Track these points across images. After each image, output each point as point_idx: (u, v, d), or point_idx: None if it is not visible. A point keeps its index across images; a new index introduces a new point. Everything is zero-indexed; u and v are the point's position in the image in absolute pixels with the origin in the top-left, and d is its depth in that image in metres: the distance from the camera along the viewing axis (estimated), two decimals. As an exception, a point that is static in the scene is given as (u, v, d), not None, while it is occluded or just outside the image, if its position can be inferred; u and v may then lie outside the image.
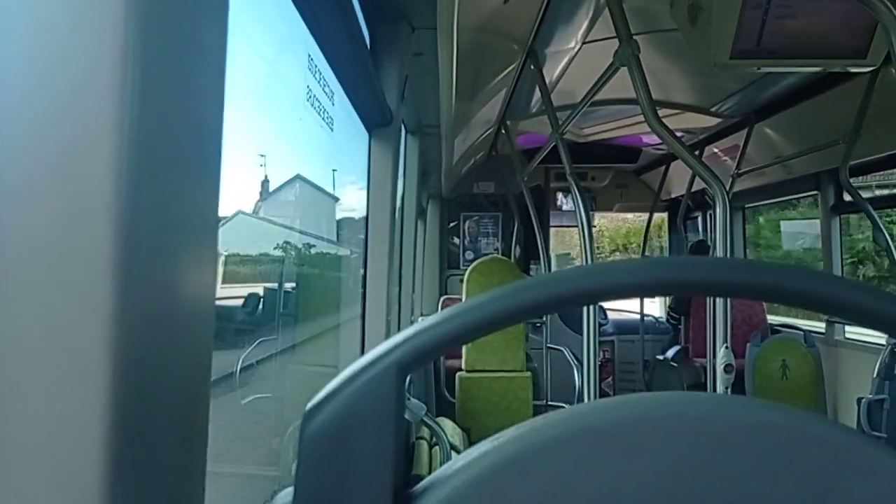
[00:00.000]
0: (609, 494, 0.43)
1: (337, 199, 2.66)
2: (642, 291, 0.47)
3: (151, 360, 0.45)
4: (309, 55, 1.42)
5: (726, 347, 2.09)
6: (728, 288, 0.47)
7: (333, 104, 1.65)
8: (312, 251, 2.32)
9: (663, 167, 6.04)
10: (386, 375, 0.44)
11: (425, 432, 2.95)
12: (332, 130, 1.74)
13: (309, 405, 0.44)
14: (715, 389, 2.18)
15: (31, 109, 0.41)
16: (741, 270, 0.45)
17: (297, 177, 2.10)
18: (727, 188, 4.51)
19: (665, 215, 7.18)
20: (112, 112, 0.40)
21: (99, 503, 0.41)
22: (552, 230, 7.16)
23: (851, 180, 3.60)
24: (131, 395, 0.42)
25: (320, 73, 1.49)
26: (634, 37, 2.16)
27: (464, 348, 4.81)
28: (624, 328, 6.56)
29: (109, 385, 0.41)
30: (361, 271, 2.03)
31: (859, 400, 3.68)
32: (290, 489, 0.44)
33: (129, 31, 0.41)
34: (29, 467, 0.41)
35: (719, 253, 2.22)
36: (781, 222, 7.01)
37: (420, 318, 5.60)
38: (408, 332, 0.45)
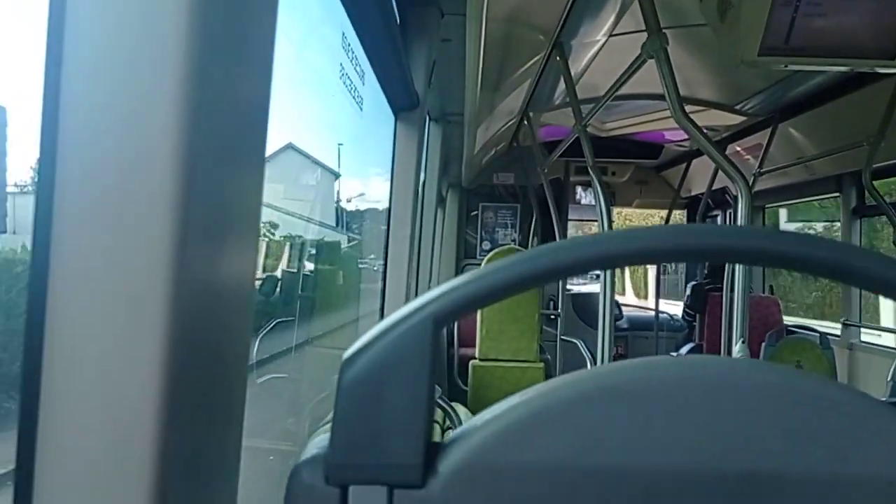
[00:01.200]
0: (630, 450, 0.44)
1: (338, 176, 2.62)
2: (668, 256, 0.49)
3: (198, 350, 0.47)
4: (343, 33, 1.44)
5: (742, 342, 2.09)
6: (744, 254, 0.48)
7: (364, 83, 1.66)
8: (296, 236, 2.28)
9: (684, 164, 6.01)
10: (423, 327, 0.45)
11: (439, 415, 2.98)
12: (361, 110, 1.76)
13: (347, 353, 0.46)
14: None
15: (104, 110, 0.43)
16: (757, 237, 0.46)
17: (289, 146, 2.06)
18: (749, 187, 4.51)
19: (684, 213, 7.15)
20: (171, 114, 0.42)
21: (149, 480, 0.43)
22: (570, 224, 7.15)
23: (874, 183, 3.58)
24: (180, 381, 0.44)
25: (353, 52, 1.51)
26: (664, 32, 2.16)
27: (478, 336, 4.83)
28: (638, 324, 6.55)
29: (162, 371, 0.43)
30: (372, 260, 2.04)
31: None
32: (326, 434, 0.46)
33: (192, 37, 0.42)
34: (88, 449, 0.43)
35: None
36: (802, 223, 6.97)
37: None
38: (444, 287, 0.46)
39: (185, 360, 0.44)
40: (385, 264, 2.00)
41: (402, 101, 1.85)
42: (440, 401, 2.31)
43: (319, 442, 0.46)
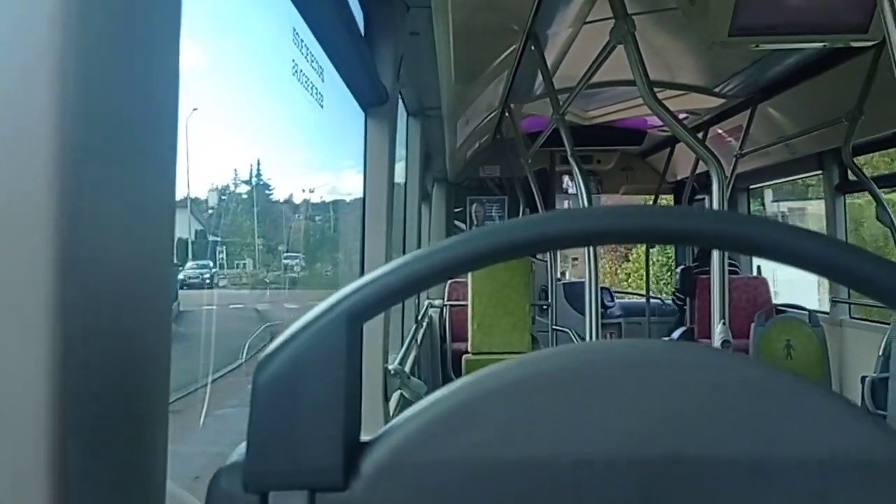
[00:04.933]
0: (554, 439, 0.43)
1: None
2: (607, 238, 0.47)
3: (100, 359, 0.45)
4: (294, 28, 1.42)
5: (723, 324, 2.09)
6: (703, 237, 0.47)
7: (323, 80, 1.65)
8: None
9: (668, 149, 6.02)
10: (336, 325, 0.44)
11: None
12: (321, 107, 1.74)
13: (262, 356, 0.45)
14: None
15: None
16: (717, 220, 0.45)
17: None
18: (730, 169, 4.52)
19: (671, 198, 7.16)
20: (52, 102, 0.41)
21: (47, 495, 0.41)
22: (559, 214, 7.14)
23: (856, 159, 3.59)
24: (78, 395, 0.43)
25: (307, 48, 1.49)
26: (636, 16, 2.16)
27: (469, 330, 4.83)
28: (630, 310, 6.56)
29: (52, 385, 0.41)
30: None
31: (863, 378, 3.68)
32: (244, 444, 0.45)
33: (69, 18, 0.41)
34: None
35: None
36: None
37: (426, 301, 5.62)
38: (359, 281, 0.45)
39: (79, 365, 0.43)
40: (361, 261, 2.00)
41: (370, 97, 1.84)
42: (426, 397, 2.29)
43: (240, 449, 0.45)
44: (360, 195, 1.98)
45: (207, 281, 2.22)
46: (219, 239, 2.16)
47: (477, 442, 0.44)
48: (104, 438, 0.46)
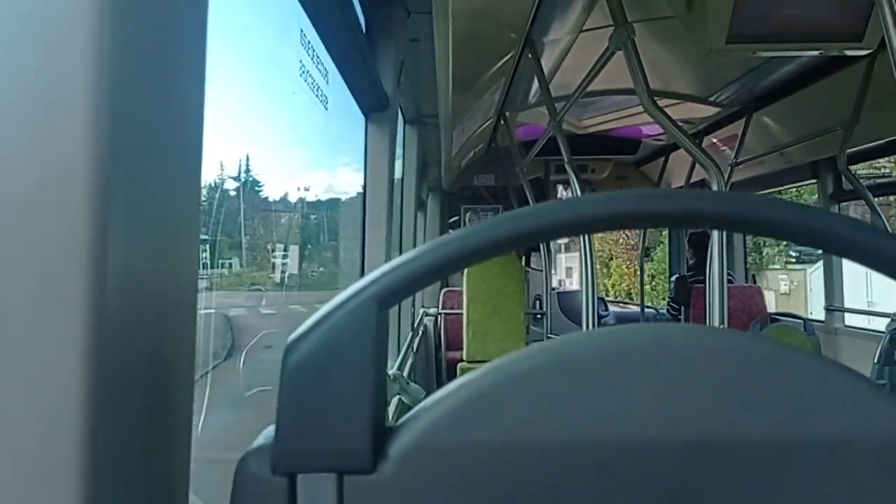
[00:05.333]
0: (582, 423, 0.43)
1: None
2: (629, 222, 0.48)
3: (130, 357, 0.45)
4: (301, 30, 1.43)
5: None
6: (693, 217, 0.47)
7: (328, 82, 1.65)
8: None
9: (663, 158, 6.04)
10: (365, 309, 0.44)
11: None
12: (326, 109, 1.75)
13: (290, 338, 0.45)
14: None
15: (15, 107, 0.41)
16: (713, 200, 0.46)
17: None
18: (726, 178, 4.54)
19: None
20: (87, 106, 0.41)
21: (78, 494, 0.41)
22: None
23: (851, 168, 3.61)
24: (109, 391, 0.43)
25: (314, 50, 1.50)
26: (631, 23, 2.17)
27: (464, 338, 4.83)
28: (625, 320, 6.57)
29: (85, 381, 0.41)
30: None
31: None
32: (273, 426, 0.44)
33: (103, 24, 0.41)
34: (3, 464, 0.41)
35: (715, 242, 2.22)
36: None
37: (421, 310, 5.61)
38: (386, 266, 0.45)
39: (112, 363, 0.42)
40: (362, 266, 1.99)
41: (372, 102, 1.84)
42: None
43: (268, 432, 0.45)
44: (353, 195, 1.97)
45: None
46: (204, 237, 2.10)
47: (505, 425, 0.44)
48: (130, 435, 0.46)
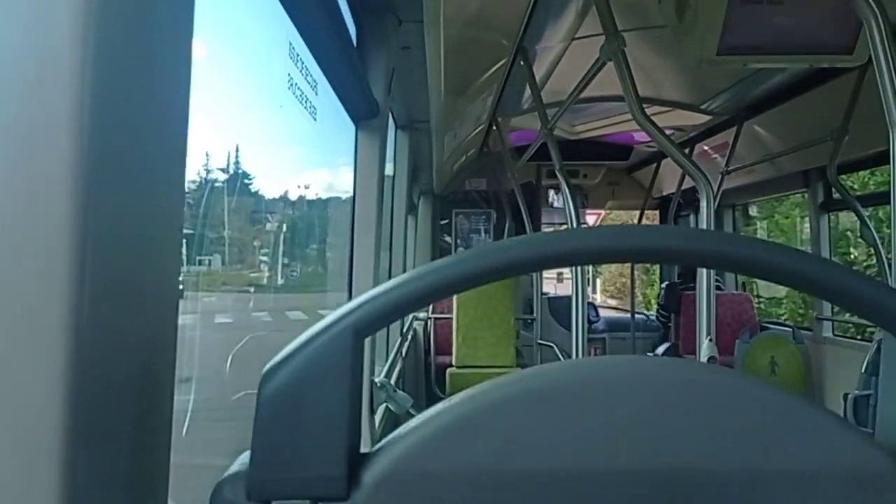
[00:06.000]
0: (555, 451, 0.44)
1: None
2: (601, 258, 0.48)
3: (110, 360, 0.45)
4: (290, 43, 1.42)
5: (710, 340, 2.10)
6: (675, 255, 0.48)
7: (317, 94, 1.65)
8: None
9: (654, 165, 6.05)
10: (341, 338, 0.45)
11: None
12: (315, 120, 1.74)
13: (266, 367, 0.45)
14: None
15: None
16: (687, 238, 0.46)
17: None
18: (716, 185, 4.56)
19: (657, 213, 7.20)
20: (68, 110, 0.41)
21: (56, 495, 0.41)
22: (544, 227, 7.18)
23: (840, 178, 3.63)
24: (89, 392, 0.43)
25: (302, 62, 1.49)
26: (624, 33, 2.17)
27: (454, 343, 4.83)
28: (615, 326, 6.58)
29: (66, 381, 0.41)
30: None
31: (845, 396, 3.70)
32: (248, 452, 0.45)
33: (87, 26, 0.41)
34: None
35: None
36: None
37: (411, 315, 5.61)
38: (365, 296, 0.46)
39: (90, 366, 0.42)
40: (350, 273, 1.99)
41: (362, 110, 1.84)
42: (412, 410, 2.29)
43: (243, 458, 0.45)
44: (338, 195, 1.96)
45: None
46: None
47: (478, 453, 0.44)
48: (110, 438, 0.46)
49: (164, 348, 0.53)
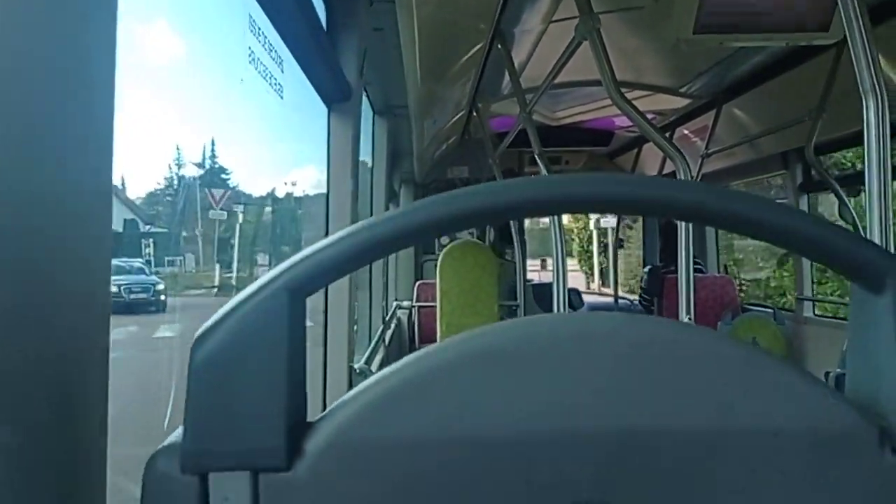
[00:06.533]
0: (506, 415, 0.42)
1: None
2: (546, 208, 0.46)
3: (28, 361, 0.43)
4: (250, 15, 1.39)
5: (689, 319, 2.10)
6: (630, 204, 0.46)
7: (283, 71, 1.61)
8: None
9: (635, 150, 6.06)
10: (277, 299, 0.42)
11: None
12: (281, 98, 1.71)
13: (198, 332, 0.43)
14: None
15: None
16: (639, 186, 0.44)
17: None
18: (697, 169, 4.56)
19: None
20: None
21: None
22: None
23: (820, 158, 3.63)
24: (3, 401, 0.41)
25: (265, 38, 1.46)
26: (602, 14, 2.16)
27: (438, 331, 4.81)
28: (599, 311, 6.59)
29: None
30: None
31: (827, 374, 3.72)
32: (182, 425, 0.43)
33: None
34: None
35: (682, 232, 2.22)
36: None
37: (394, 303, 5.59)
38: (301, 253, 0.44)
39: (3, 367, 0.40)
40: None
41: (334, 93, 1.82)
42: None
43: (179, 431, 0.43)
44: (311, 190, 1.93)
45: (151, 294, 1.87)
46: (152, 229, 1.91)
47: (426, 420, 0.42)
48: (34, 448, 0.43)
49: (94, 344, 0.51)
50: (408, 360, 0.44)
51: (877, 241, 1.53)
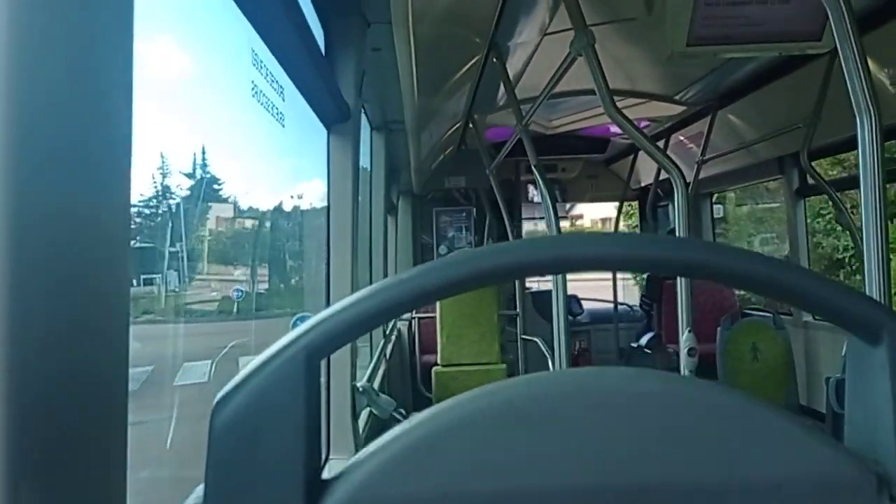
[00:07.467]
0: (520, 471, 0.43)
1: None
2: (555, 268, 0.48)
3: (51, 365, 0.44)
4: (252, 49, 1.41)
5: (689, 331, 2.11)
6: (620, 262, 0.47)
7: (284, 100, 1.63)
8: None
9: (632, 156, 6.07)
10: (294, 363, 0.43)
11: None
12: (283, 126, 1.72)
13: (218, 396, 0.44)
14: (682, 373, 2.20)
15: None
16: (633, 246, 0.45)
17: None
18: (693, 175, 4.58)
19: (636, 204, 7.23)
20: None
21: None
22: (528, 222, 7.20)
23: (814, 164, 3.65)
24: (27, 404, 0.42)
25: (266, 69, 1.48)
26: (596, 26, 2.17)
27: (438, 342, 4.82)
28: (599, 317, 6.59)
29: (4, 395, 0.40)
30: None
31: (827, 379, 3.72)
32: (202, 486, 0.43)
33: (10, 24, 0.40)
34: None
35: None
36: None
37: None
38: (318, 316, 0.44)
39: (33, 373, 0.41)
40: (327, 278, 1.98)
41: (333, 115, 1.83)
42: (395, 414, 2.27)
43: (197, 492, 0.44)
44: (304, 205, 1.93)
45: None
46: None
47: (443, 477, 0.43)
48: (59, 452, 0.45)
49: (115, 353, 0.52)
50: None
51: (874, 259, 1.54)
